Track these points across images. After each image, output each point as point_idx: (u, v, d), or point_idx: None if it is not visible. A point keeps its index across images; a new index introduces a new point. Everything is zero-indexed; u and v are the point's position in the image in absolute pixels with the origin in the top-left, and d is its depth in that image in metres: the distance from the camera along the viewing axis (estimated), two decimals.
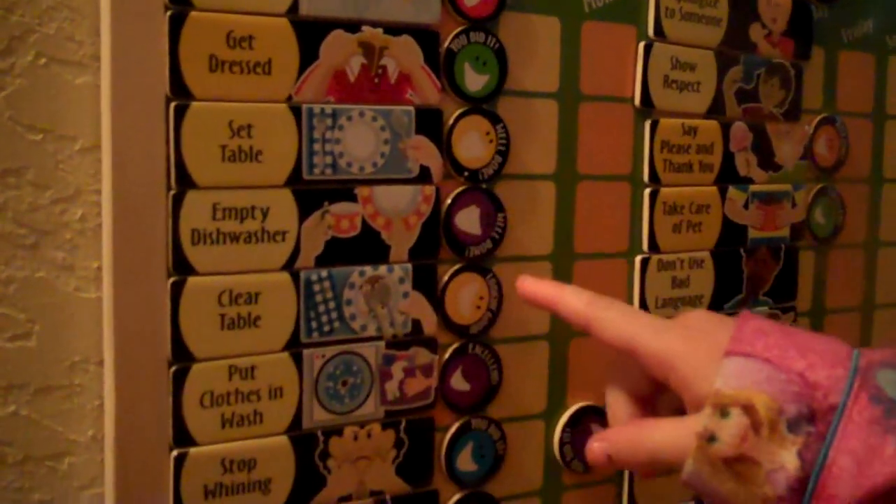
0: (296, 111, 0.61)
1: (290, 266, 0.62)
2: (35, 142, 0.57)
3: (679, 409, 0.56)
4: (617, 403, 0.62)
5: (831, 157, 0.90)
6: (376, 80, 0.64)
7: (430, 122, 0.66)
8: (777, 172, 0.85)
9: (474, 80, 0.68)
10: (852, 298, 0.94)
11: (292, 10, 0.60)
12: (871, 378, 0.50)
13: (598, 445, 0.59)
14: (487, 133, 0.69)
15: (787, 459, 0.49)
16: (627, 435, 0.58)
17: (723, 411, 0.51)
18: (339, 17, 0.62)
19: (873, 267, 0.95)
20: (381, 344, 0.66)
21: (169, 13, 0.57)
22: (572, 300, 0.61)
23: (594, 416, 0.75)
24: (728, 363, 0.52)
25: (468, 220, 0.69)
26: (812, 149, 0.88)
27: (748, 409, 0.50)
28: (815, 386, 0.50)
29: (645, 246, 0.78)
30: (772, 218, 0.85)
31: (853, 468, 0.48)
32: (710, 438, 0.51)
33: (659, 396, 0.61)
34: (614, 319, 0.59)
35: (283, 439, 0.63)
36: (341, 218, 0.63)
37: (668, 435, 0.55)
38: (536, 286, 0.64)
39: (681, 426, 0.54)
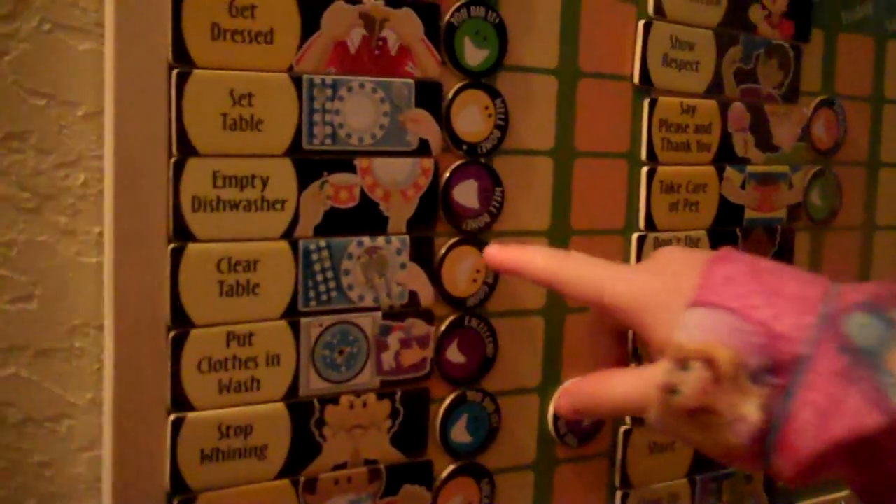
0: (297, 81, 0.62)
1: (289, 235, 0.63)
2: (38, 106, 0.57)
3: None
4: (597, 345, 0.62)
5: (829, 139, 0.90)
6: (377, 52, 0.64)
7: (429, 96, 0.67)
8: (774, 153, 0.86)
9: (474, 55, 0.68)
10: (847, 281, 0.94)
11: None
12: (840, 325, 0.49)
13: (563, 398, 0.59)
14: (486, 107, 0.69)
15: (749, 411, 0.49)
16: (590, 388, 0.58)
17: (684, 364, 0.50)
18: None
19: (869, 250, 0.96)
20: (378, 314, 0.66)
21: None
22: (533, 262, 0.60)
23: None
24: (691, 314, 0.51)
25: (466, 194, 0.69)
26: (810, 131, 0.89)
27: (710, 363, 0.49)
28: (780, 337, 0.49)
29: (642, 224, 0.78)
30: (768, 199, 0.85)
31: (816, 420, 0.47)
32: (672, 391, 0.50)
33: None
34: (580, 275, 0.58)
35: (280, 406, 0.63)
36: (340, 188, 0.64)
37: (630, 387, 0.55)
38: (502, 253, 0.62)
39: (642, 378, 0.54)
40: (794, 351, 0.49)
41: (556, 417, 0.75)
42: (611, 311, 0.57)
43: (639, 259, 0.77)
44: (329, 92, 0.63)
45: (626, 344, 0.63)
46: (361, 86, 0.64)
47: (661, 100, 0.77)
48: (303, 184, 0.63)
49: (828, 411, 0.48)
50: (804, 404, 0.48)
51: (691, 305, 0.52)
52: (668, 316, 0.53)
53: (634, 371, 0.57)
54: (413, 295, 0.67)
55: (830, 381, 0.48)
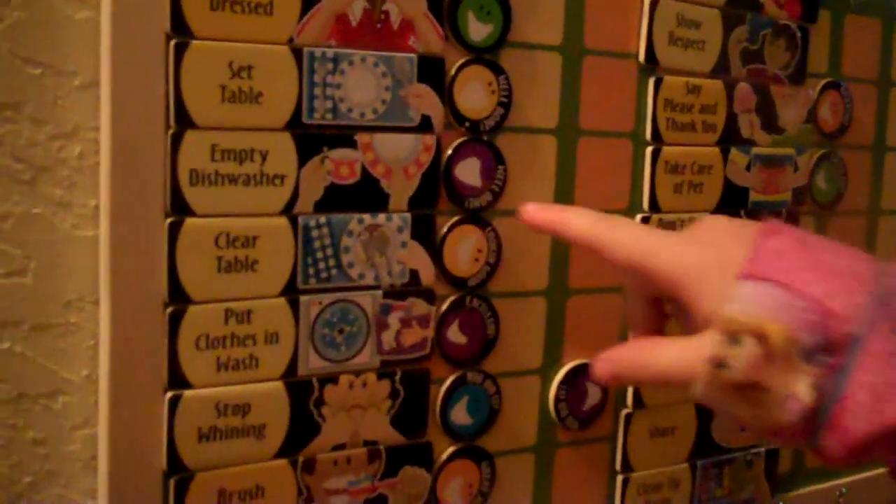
0: (297, 54, 0.60)
1: (288, 210, 0.61)
2: (34, 76, 0.56)
3: None
4: (635, 309, 0.61)
5: (835, 122, 0.89)
6: (378, 26, 0.63)
7: (432, 71, 0.66)
8: (780, 136, 0.85)
9: (478, 30, 0.67)
10: None
11: None
12: (893, 306, 0.48)
13: (604, 365, 0.58)
14: (490, 84, 0.68)
15: (800, 389, 0.48)
16: (634, 356, 0.57)
17: (735, 338, 0.49)
18: None
19: (874, 235, 0.95)
20: (379, 293, 0.65)
21: None
22: (577, 222, 0.60)
23: (590, 375, 0.75)
24: (742, 287, 0.50)
25: (468, 172, 0.68)
26: (816, 113, 0.88)
27: (761, 339, 0.48)
28: (834, 315, 0.48)
29: (646, 205, 0.77)
30: (774, 181, 0.84)
31: (869, 402, 0.47)
32: (721, 365, 0.49)
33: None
34: (620, 239, 0.57)
35: (279, 385, 0.62)
36: (341, 164, 0.63)
37: (676, 358, 0.54)
38: (540, 212, 0.61)
39: (689, 349, 0.53)
40: (847, 330, 0.48)
41: (557, 399, 0.74)
42: (655, 278, 0.56)
43: None
44: (330, 65, 0.62)
45: (663, 311, 0.61)
46: (363, 59, 0.63)
47: (667, 79, 0.76)
48: (303, 159, 0.61)
49: (883, 393, 0.47)
50: (858, 385, 0.47)
51: (742, 278, 0.51)
52: (715, 287, 0.52)
53: (680, 341, 0.55)
54: (414, 274, 0.66)
55: (885, 362, 0.47)
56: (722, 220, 0.57)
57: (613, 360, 0.58)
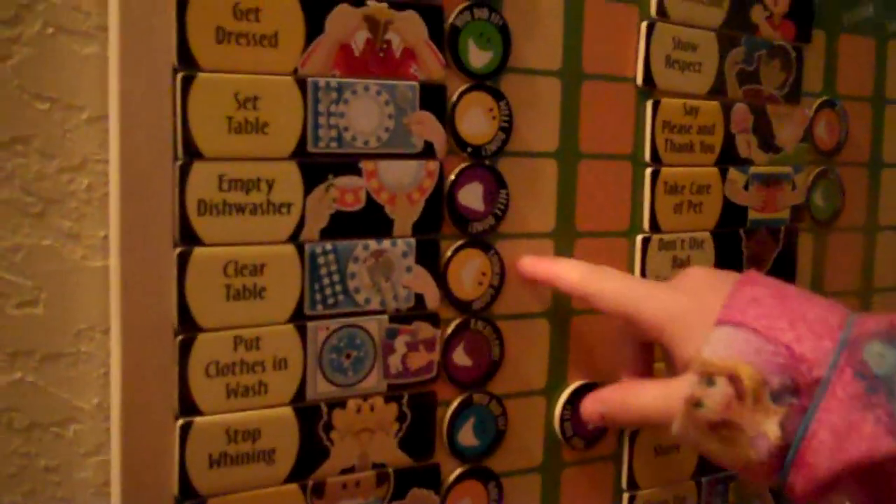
0: (301, 84, 0.61)
1: (295, 238, 0.62)
2: (42, 111, 0.57)
3: None
4: (624, 353, 0.66)
5: (831, 140, 0.90)
6: (381, 55, 0.64)
7: (433, 98, 0.67)
8: (777, 154, 0.86)
9: (478, 57, 0.68)
10: (851, 282, 0.94)
11: None
12: (858, 352, 0.51)
13: (591, 405, 0.64)
14: (490, 109, 0.69)
15: (769, 428, 0.51)
16: (618, 396, 0.62)
17: (709, 380, 0.53)
18: None
19: (872, 251, 0.96)
20: (385, 318, 0.66)
21: None
22: (569, 275, 0.65)
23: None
24: (717, 332, 0.54)
25: (471, 196, 0.69)
26: (812, 131, 0.89)
27: (733, 379, 0.52)
28: (801, 359, 0.51)
29: (646, 225, 0.78)
30: (772, 199, 0.85)
31: (832, 442, 0.49)
32: (697, 404, 0.53)
33: None
34: (609, 289, 0.63)
35: (288, 410, 0.63)
36: (346, 191, 0.64)
37: (656, 397, 0.58)
38: (534, 265, 0.68)
39: (667, 390, 0.57)
40: (814, 373, 0.51)
41: (562, 419, 0.75)
42: (641, 326, 0.61)
43: (643, 261, 0.77)
44: (334, 94, 0.63)
45: (651, 354, 0.65)
46: (366, 88, 0.64)
47: (665, 101, 0.77)
48: (308, 187, 0.62)
49: (845, 433, 0.49)
50: (822, 425, 0.50)
51: (718, 324, 0.54)
52: (695, 333, 0.56)
53: (661, 382, 0.59)
54: (419, 298, 0.67)
55: (848, 404, 0.50)
56: (703, 271, 0.63)
57: (600, 401, 0.64)
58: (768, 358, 0.52)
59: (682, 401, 0.54)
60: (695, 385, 0.53)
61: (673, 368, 0.60)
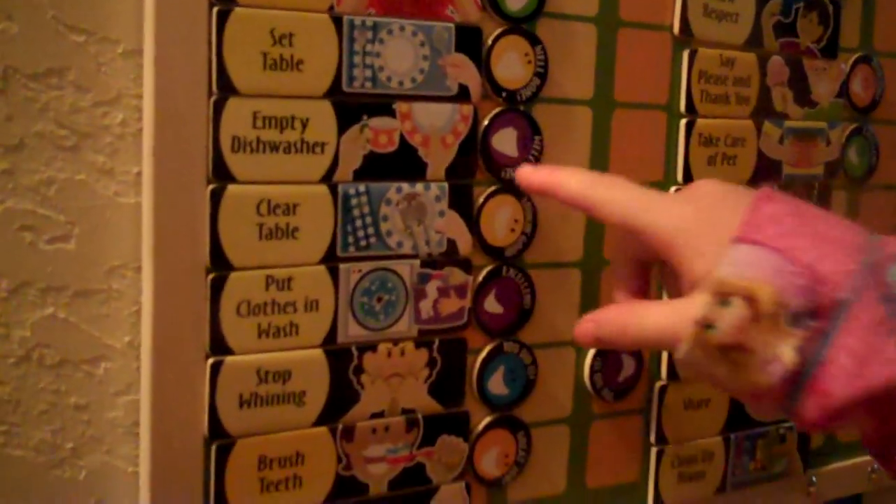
0: (337, 22, 0.61)
1: (328, 179, 0.62)
2: (78, 43, 0.56)
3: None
4: (622, 272, 0.62)
5: (867, 96, 0.89)
6: None
7: (469, 41, 0.66)
8: (812, 109, 0.84)
9: (514, 0, 0.67)
10: None
11: None
12: (882, 275, 0.49)
13: (588, 326, 0.58)
14: (526, 54, 0.68)
15: (784, 352, 0.48)
16: (618, 318, 0.57)
17: (724, 300, 0.49)
18: None
19: None
20: (417, 262, 0.65)
21: None
22: (570, 183, 0.59)
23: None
24: (735, 250, 0.51)
25: (505, 142, 0.68)
26: (848, 87, 0.87)
27: (750, 301, 0.48)
28: (823, 280, 0.49)
29: (680, 177, 0.77)
30: (806, 155, 0.84)
31: (851, 367, 0.47)
32: (707, 326, 0.49)
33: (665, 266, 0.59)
34: (614, 198, 0.58)
35: (319, 352, 0.63)
36: (380, 132, 0.63)
37: (661, 320, 0.54)
38: (534, 174, 0.62)
39: (675, 311, 0.53)
40: (835, 295, 0.49)
41: (592, 371, 0.74)
42: (647, 237, 0.56)
43: None
44: (369, 34, 0.62)
45: (648, 275, 0.62)
46: (402, 28, 0.63)
47: (701, 51, 0.76)
48: (342, 127, 0.62)
49: (865, 358, 0.47)
50: (841, 349, 0.48)
51: (735, 241, 0.51)
52: (707, 249, 0.53)
53: (667, 303, 0.56)
54: (451, 243, 0.67)
55: (869, 329, 0.48)
56: (714, 184, 0.57)
57: (598, 322, 0.58)
58: (788, 279, 0.49)
59: (692, 322, 0.50)
60: (707, 306, 0.50)
61: (676, 288, 0.56)
